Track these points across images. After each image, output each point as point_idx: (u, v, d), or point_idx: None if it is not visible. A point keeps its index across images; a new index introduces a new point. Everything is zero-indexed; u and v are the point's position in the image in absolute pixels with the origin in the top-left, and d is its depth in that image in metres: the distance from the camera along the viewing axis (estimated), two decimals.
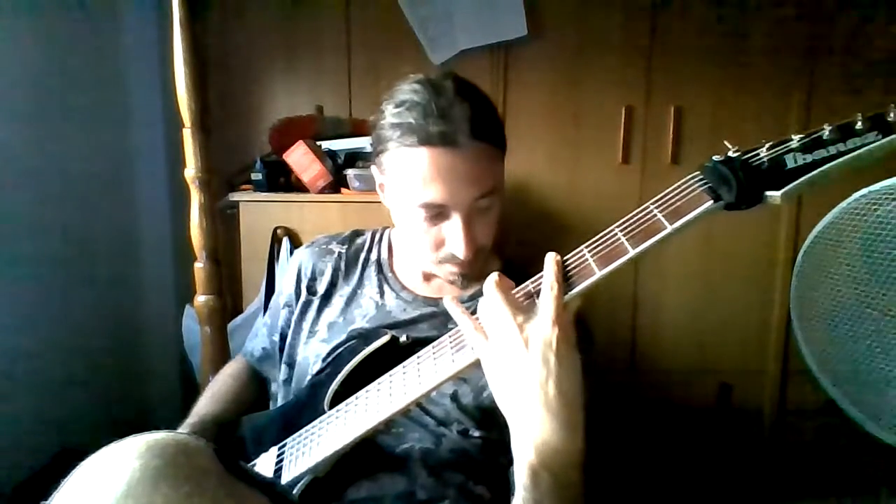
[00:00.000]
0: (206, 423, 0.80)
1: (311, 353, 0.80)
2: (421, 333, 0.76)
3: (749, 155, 0.47)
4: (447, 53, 1.60)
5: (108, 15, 1.49)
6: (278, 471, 0.66)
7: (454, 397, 0.71)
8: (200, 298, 1.13)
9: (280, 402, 0.85)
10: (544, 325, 0.48)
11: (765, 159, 0.46)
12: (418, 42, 1.59)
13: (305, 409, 0.70)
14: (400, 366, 0.61)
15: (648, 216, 0.49)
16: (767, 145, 0.47)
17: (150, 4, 1.57)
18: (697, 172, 0.49)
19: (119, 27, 1.53)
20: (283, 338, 0.87)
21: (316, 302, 0.83)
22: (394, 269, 0.84)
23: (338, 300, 0.83)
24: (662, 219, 0.48)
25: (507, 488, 0.70)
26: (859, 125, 0.44)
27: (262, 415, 0.82)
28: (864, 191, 1.01)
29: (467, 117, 0.65)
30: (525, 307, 0.51)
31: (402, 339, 0.72)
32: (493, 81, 1.62)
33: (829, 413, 1.19)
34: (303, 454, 0.65)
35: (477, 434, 0.70)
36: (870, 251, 1.03)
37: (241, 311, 1.39)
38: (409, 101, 0.66)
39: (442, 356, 0.57)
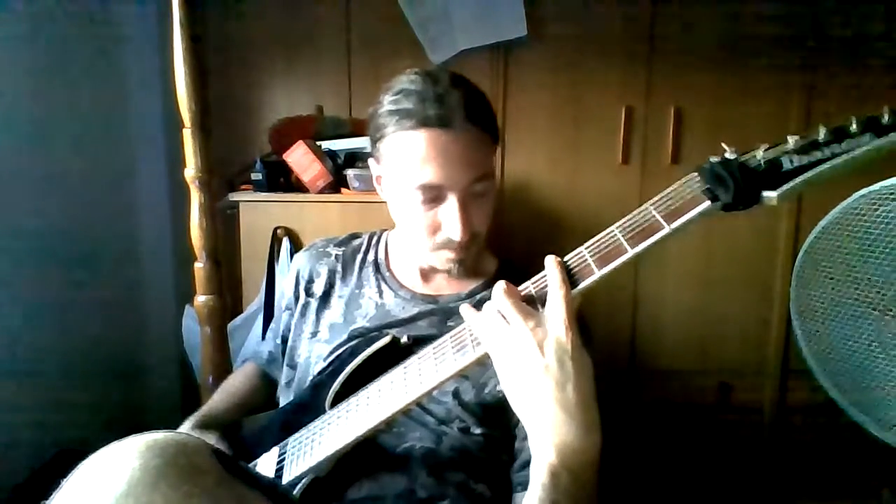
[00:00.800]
0: (215, 418, 0.81)
1: (314, 355, 0.80)
2: (421, 331, 0.76)
3: (746, 156, 0.48)
4: (447, 53, 1.60)
5: (107, 15, 1.49)
6: (279, 471, 0.66)
7: (455, 394, 0.72)
8: (200, 298, 1.13)
9: (282, 402, 0.85)
10: (558, 329, 0.48)
11: (761, 161, 0.47)
12: (418, 42, 1.59)
13: (307, 409, 0.70)
14: (401, 366, 0.61)
15: (647, 217, 0.50)
16: (764, 147, 0.48)
17: (150, 4, 1.57)
18: (695, 174, 0.50)
19: (119, 27, 1.53)
20: (284, 341, 0.88)
21: (314, 304, 0.84)
22: (391, 268, 0.85)
23: (337, 301, 0.83)
24: (661, 219, 0.49)
25: (507, 486, 0.70)
26: (854, 127, 0.45)
27: (263, 415, 0.82)
28: (864, 191, 1.01)
29: (462, 103, 0.68)
30: (534, 312, 0.51)
31: (403, 339, 0.72)
32: (493, 81, 1.62)
33: (829, 413, 1.19)
34: (304, 454, 0.65)
35: (478, 431, 0.70)
36: (870, 251, 1.03)
37: (241, 311, 1.39)
38: (406, 89, 0.69)
39: (443, 356, 0.57)
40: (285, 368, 0.86)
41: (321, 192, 1.34)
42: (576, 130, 1.66)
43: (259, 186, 1.35)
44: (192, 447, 0.46)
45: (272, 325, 0.95)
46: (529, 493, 0.49)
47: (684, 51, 1.62)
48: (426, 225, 0.72)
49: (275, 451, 0.69)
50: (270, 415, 0.82)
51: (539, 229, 1.65)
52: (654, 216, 0.49)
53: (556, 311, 0.49)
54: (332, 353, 0.77)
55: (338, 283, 0.85)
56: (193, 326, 1.29)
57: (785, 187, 0.46)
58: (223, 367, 1.14)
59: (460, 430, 0.70)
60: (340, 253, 0.87)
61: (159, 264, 1.64)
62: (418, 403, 0.68)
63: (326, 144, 1.41)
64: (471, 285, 0.82)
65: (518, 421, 0.71)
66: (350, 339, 0.78)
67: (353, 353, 0.70)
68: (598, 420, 0.48)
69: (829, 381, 1.13)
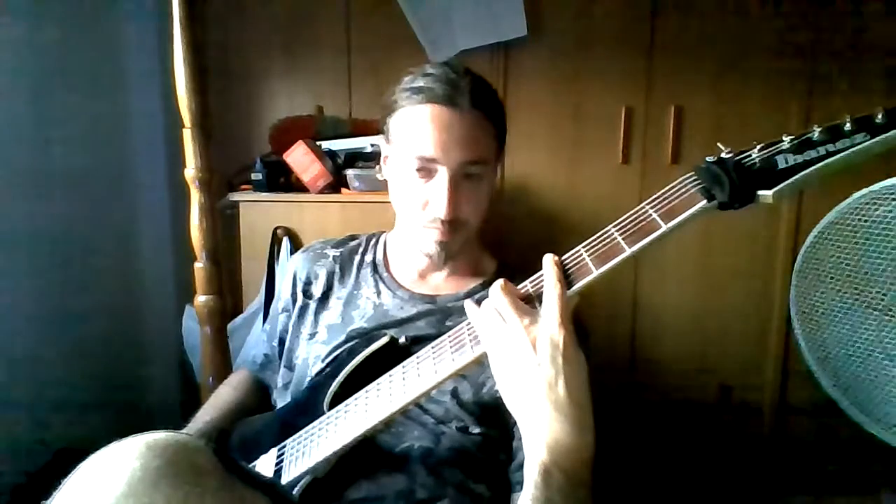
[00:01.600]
0: (205, 431, 0.80)
1: (311, 356, 0.80)
2: (419, 331, 0.77)
3: (741, 156, 0.48)
4: (447, 53, 1.60)
5: (107, 15, 1.49)
6: (278, 472, 0.66)
7: (454, 394, 0.72)
8: (200, 298, 1.13)
9: (280, 404, 0.85)
10: (551, 327, 0.48)
11: (757, 160, 0.48)
12: (418, 42, 1.59)
13: (305, 410, 0.70)
14: (399, 366, 0.61)
15: (644, 216, 0.50)
16: (759, 146, 0.48)
17: (150, 4, 1.57)
18: (692, 173, 0.50)
19: (119, 27, 1.53)
20: (282, 343, 0.88)
21: (313, 305, 0.84)
22: (389, 269, 0.85)
23: (335, 302, 0.83)
24: (657, 218, 0.49)
25: (506, 486, 0.70)
26: (848, 127, 0.46)
27: (261, 417, 0.82)
28: (864, 191, 1.01)
29: (470, 89, 0.73)
30: (530, 310, 0.52)
31: (401, 340, 0.73)
32: (493, 81, 1.59)
33: (829, 413, 1.19)
34: (302, 455, 0.65)
35: (476, 431, 0.71)
36: (870, 251, 1.03)
37: (241, 311, 1.39)
38: (424, 71, 0.76)
39: (441, 356, 0.57)
40: (283, 370, 0.86)
41: (321, 192, 1.34)
42: (576, 130, 1.66)
43: (259, 186, 1.35)
44: (193, 447, 0.46)
45: (267, 327, 0.95)
46: (524, 492, 0.49)
47: (684, 51, 1.62)
48: (417, 198, 0.75)
49: (273, 452, 0.69)
50: (268, 416, 0.81)
51: (539, 229, 1.65)
52: (651, 215, 0.50)
53: (551, 309, 0.49)
54: (330, 353, 0.77)
55: (336, 284, 0.85)
56: (193, 326, 1.29)
57: (780, 186, 0.46)
58: (223, 367, 1.14)
59: (459, 429, 0.70)
60: (338, 254, 0.88)
61: (159, 264, 1.64)
62: (417, 403, 0.68)
63: (326, 144, 1.41)
64: (469, 285, 0.82)
65: (515, 420, 0.72)
66: (348, 339, 0.78)
67: (351, 353, 0.71)
68: (592, 420, 0.48)
69: (829, 381, 1.13)
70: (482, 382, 0.72)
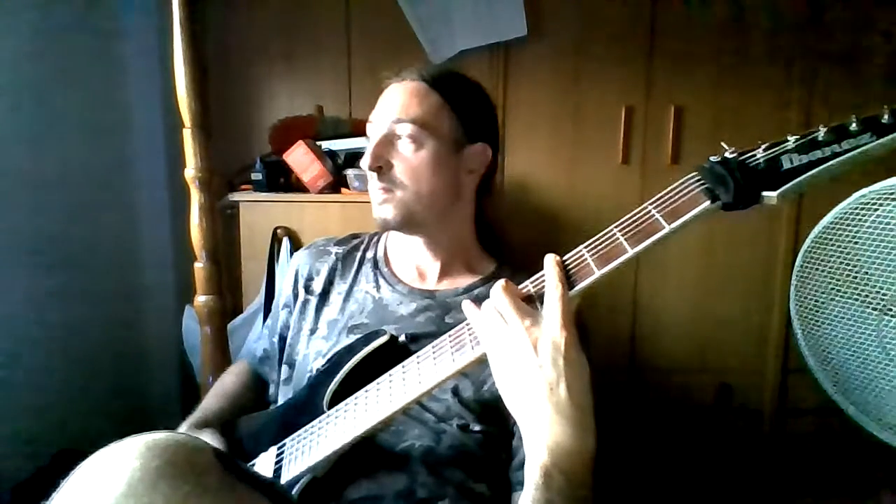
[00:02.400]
0: (209, 419, 0.81)
1: (312, 351, 0.80)
2: (419, 328, 0.77)
3: (746, 156, 0.48)
4: (447, 53, 1.60)
5: (107, 15, 1.49)
6: (278, 470, 0.66)
7: (455, 392, 0.72)
8: (200, 298, 1.13)
9: (280, 401, 0.85)
10: (553, 329, 0.48)
11: (761, 160, 0.47)
12: (418, 42, 1.59)
13: (305, 408, 0.70)
14: (399, 365, 0.61)
15: (647, 216, 0.50)
16: (764, 146, 0.47)
17: (150, 4, 1.57)
18: (695, 173, 0.50)
19: (119, 27, 1.53)
20: (282, 339, 0.88)
21: (314, 301, 0.84)
22: (390, 265, 0.85)
23: (336, 298, 0.84)
24: (660, 219, 0.49)
25: (506, 486, 0.70)
26: (854, 127, 0.45)
27: (261, 415, 0.82)
28: (864, 191, 1.01)
29: (425, 68, 0.80)
30: (531, 310, 0.51)
31: (401, 338, 0.72)
32: (493, 81, 1.62)
33: (829, 413, 1.19)
34: (302, 454, 0.65)
35: (477, 429, 0.70)
36: (870, 251, 1.03)
37: (241, 311, 1.39)
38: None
39: (441, 355, 0.57)
40: (284, 367, 0.86)
41: (321, 192, 1.34)
42: (576, 130, 1.66)
43: (259, 186, 1.35)
44: (193, 447, 0.46)
45: (268, 322, 0.95)
46: (525, 493, 0.49)
47: (684, 50, 1.62)
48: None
49: (273, 450, 0.69)
50: (268, 414, 0.81)
51: (539, 229, 1.65)
52: (653, 216, 0.49)
53: (553, 310, 0.49)
54: (329, 350, 0.77)
55: (337, 280, 0.85)
56: (193, 326, 1.29)
57: (785, 187, 0.45)
58: (223, 367, 1.13)
59: (459, 427, 0.70)
60: (341, 251, 0.88)
61: (159, 264, 1.64)
62: (417, 402, 0.68)
63: (326, 144, 1.41)
64: (468, 281, 0.82)
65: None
66: (348, 334, 0.78)
67: (351, 351, 0.70)
68: (593, 422, 0.48)
69: (829, 381, 1.13)
70: (483, 380, 0.72)
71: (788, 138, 0.46)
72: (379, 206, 0.78)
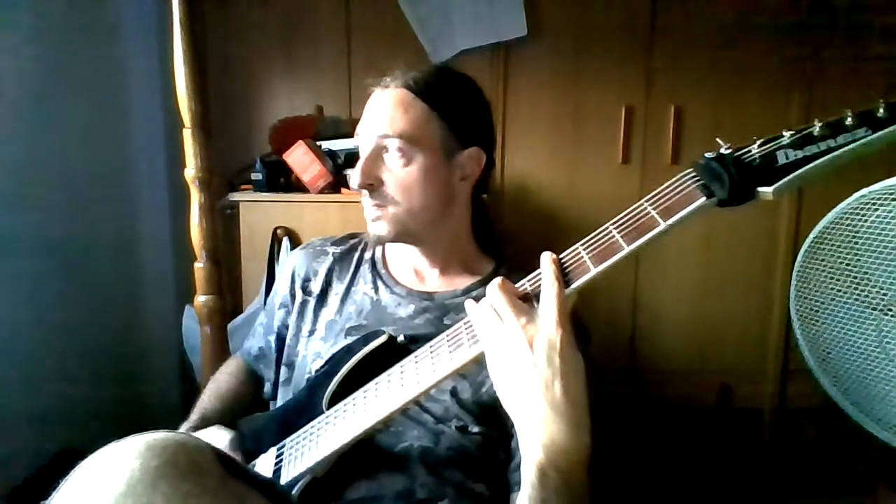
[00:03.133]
0: (210, 420, 0.81)
1: (311, 352, 0.80)
2: (417, 329, 0.76)
3: (741, 152, 0.47)
4: (447, 53, 1.60)
5: (107, 15, 1.49)
6: (277, 471, 0.66)
7: (453, 393, 0.72)
8: (200, 298, 1.13)
9: (279, 402, 0.85)
10: (548, 327, 0.48)
11: (756, 156, 0.47)
12: (418, 42, 1.59)
13: (304, 409, 0.70)
14: (397, 365, 0.61)
15: (643, 213, 0.50)
16: (759, 142, 0.47)
17: (150, 4, 1.57)
18: (691, 170, 0.50)
19: (119, 27, 1.53)
20: (279, 338, 0.88)
21: (312, 302, 0.84)
22: (388, 267, 0.85)
23: (334, 299, 0.83)
24: (656, 216, 0.49)
25: (505, 486, 0.70)
26: (849, 121, 0.45)
27: (260, 416, 0.82)
28: (864, 191, 1.01)
29: (409, 74, 0.77)
30: (527, 308, 0.51)
31: (400, 338, 0.72)
32: (493, 81, 1.62)
33: (829, 413, 1.19)
34: (302, 454, 0.65)
35: (476, 430, 0.70)
36: (870, 251, 1.03)
37: (241, 311, 1.39)
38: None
39: (439, 354, 0.57)
40: (282, 367, 0.86)
41: (321, 192, 1.34)
42: (576, 130, 1.66)
43: (259, 186, 1.35)
44: (192, 447, 0.46)
45: (264, 320, 0.94)
46: (521, 492, 0.49)
47: (684, 50, 1.62)
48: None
49: (272, 451, 0.69)
50: (268, 415, 0.81)
51: (538, 229, 1.65)
52: (649, 213, 0.49)
53: (548, 308, 0.49)
54: (328, 352, 0.77)
55: (335, 281, 0.85)
56: (193, 326, 1.29)
57: (780, 182, 0.45)
58: None
59: (458, 428, 0.70)
60: (338, 251, 0.88)
61: (159, 264, 1.64)
62: (416, 402, 0.68)
63: (326, 144, 1.41)
64: (466, 282, 0.82)
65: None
66: (346, 335, 0.78)
67: (350, 352, 0.70)
68: (588, 420, 0.48)
69: (829, 381, 1.13)
70: (481, 382, 0.72)
71: (784, 134, 0.46)
72: (372, 223, 0.77)
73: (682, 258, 1.69)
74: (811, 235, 1.11)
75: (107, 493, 0.42)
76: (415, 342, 0.72)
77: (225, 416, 0.83)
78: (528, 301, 0.53)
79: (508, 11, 1.57)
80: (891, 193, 0.98)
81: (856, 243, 1.05)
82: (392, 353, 0.66)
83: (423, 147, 0.74)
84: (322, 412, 0.67)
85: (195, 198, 1.10)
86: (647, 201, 0.50)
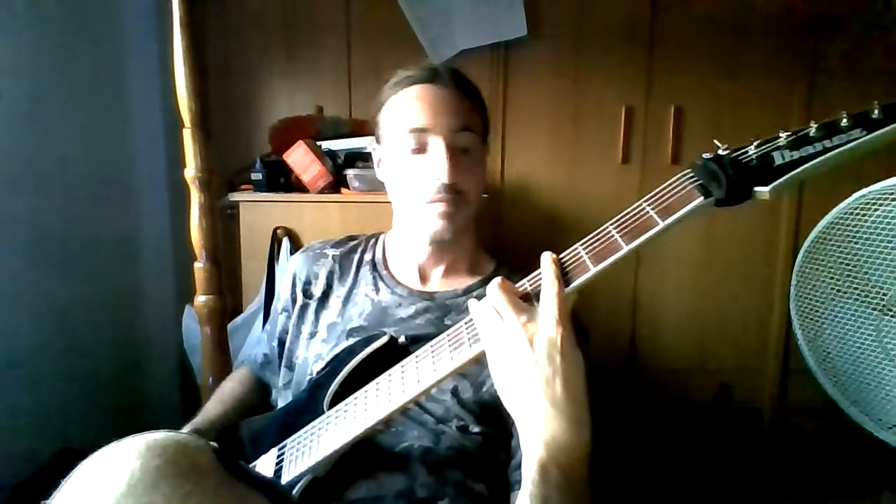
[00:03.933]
0: (213, 423, 0.81)
1: (312, 354, 0.80)
2: (418, 329, 0.77)
3: (738, 152, 0.48)
4: (447, 53, 1.60)
5: (107, 15, 1.49)
6: (278, 471, 0.66)
7: (454, 393, 0.72)
8: (200, 298, 1.13)
9: (281, 404, 0.85)
10: (548, 325, 0.48)
11: (753, 156, 0.47)
12: (418, 42, 1.59)
13: (305, 410, 0.70)
14: (398, 365, 0.61)
15: (641, 213, 0.50)
16: (756, 143, 0.48)
17: (150, 4, 1.57)
18: (689, 170, 0.50)
19: (119, 27, 1.53)
20: (281, 343, 0.88)
21: (313, 305, 0.84)
22: (388, 267, 0.85)
23: (335, 301, 0.84)
24: (655, 216, 0.49)
25: (505, 486, 0.70)
26: (844, 122, 0.46)
27: (262, 417, 0.82)
28: (864, 191, 1.01)
29: (451, 73, 0.78)
30: (527, 307, 0.51)
31: (401, 339, 0.72)
32: (493, 81, 1.62)
33: (829, 413, 1.19)
34: (302, 455, 0.65)
35: (476, 430, 0.71)
36: (870, 251, 1.03)
37: (241, 311, 1.39)
38: (406, 68, 0.80)
39: (440, 354, 0.57)
40: (283, 370, 0.86)
41: (321, 192, 1.34)
42: (576, 130, 1.66)
43: (259, 186, 1.35)
44: (193, 447, 0.46)
45: (267, 327, 0.95)
46: (522, 490, 0.49)
47: (684, 50, 1.62)
48: (417, 175, 0.76)
49: (273, 451, 0.69)
50: (269, 416, 0.81)
51: (538, 229, 1.65)
52: (648, 212, 0.50)
53: (548, 307, 0.49)
54: (329, 353, 0.77)
55: (335, 283, 0.85)
56: (193, 326, 1.29)
57: (776, 182, 0.46)
58: (223, 367, 1.14)
59: (459, 428, 0.70)
60: (338, 254, 0.88)
61: (159, 264, 1.65)
62: (416, 402, 0.68)
63: (326, 144, 1.41)
64: (467, 282, 0.82)
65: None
66: (348, 337, 0.78)
67: (351, 353, 0.70)
68: (588, 418, 0.48)
69: (829, 381, 1.13)
70: (482, 381, 0.72)
71: (780, 134, 0.47)
72: (438, 220, 0.76)
73: (681, 258, 1.69)
74: (811, 235, 1.11)
75: (107, 492, 0.42)
76: (416, 342, 0.72)
77: (229, 419, 0.83)
78: (528, 300, 0.53)
79: (508, 11, 1.57)
80: (891, 193, 0.98)
81: (856, 243, 1.05)
82: (393, 355, 0.66)
83: (480, 140, 0.79)
84: (323, 412, 0.67)
85: (195, 198, 1.10)
86: (645, 201, 0.51)
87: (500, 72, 1.63)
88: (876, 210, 1.00)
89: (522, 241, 1.63)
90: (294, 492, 0.64)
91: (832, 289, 1.10)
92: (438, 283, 0.83)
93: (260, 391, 0.94)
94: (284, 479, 0.64)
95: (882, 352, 1.05)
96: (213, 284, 1.12)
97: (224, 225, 1.22)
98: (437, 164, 0.74)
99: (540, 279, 0.52)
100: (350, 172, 1.34)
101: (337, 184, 1.36)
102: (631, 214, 0.51)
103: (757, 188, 0.47)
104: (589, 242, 0.52)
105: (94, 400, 1.40)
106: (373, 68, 1.63)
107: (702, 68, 1.62)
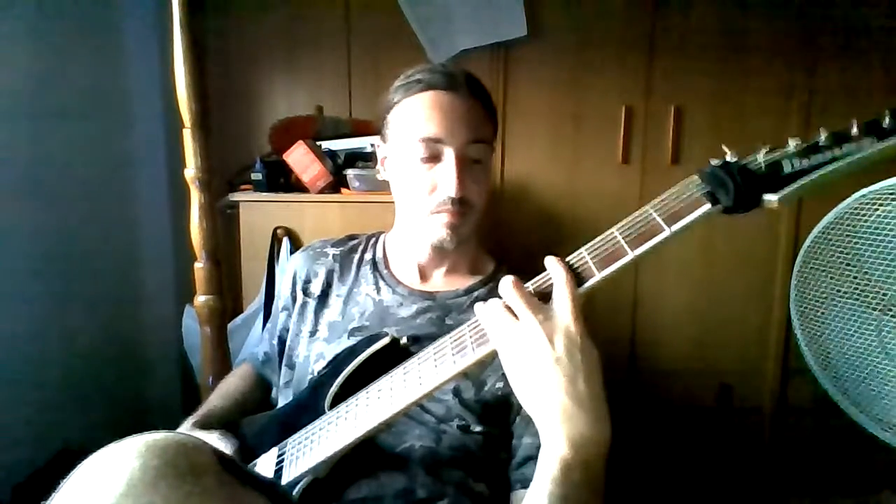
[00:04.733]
0: (212, 418, 0.81)
1: (312, 354, 0.80)
2: (419, 329, 0.77)
3: (747, 159, 0.48)
4: (447, 53, 1.60)
5: (107, 15, 1.49)
6: (278, 471, 0.66)
7: (456, 392, 0.72)
8: (200, 298, 1.13)
9: (281, 403, 0.85)
10: (566, 322, 0.49)
11: (762, 164, 0.47)
12: (418, 42, 1.59)
13: (306, 410, 0.70)
14: (400, 367, 0.61)
15: (647, 219, 0.50)
16: (764, 150, 0.48)
17: (150, 4, 1.57)
18: (695, 176, 0.50)
19: (119, 27, 1.53)
20: (281, 341, 0.88)
21: (313, 303, 0.84)
22: (389, 267, 0.85)
23: (335, 300, 0.83)
24: (661, 222, 0.49)
25: (506, 485, 0.70)
26: (854, 131, 0.46)
27: (262, 416, 0.82)
28: (864, 191, 1.01)
29: (465, 80, 0.77)
30: (543, 306, 0.51)
31: (403, 340, 0.72)
32: (493, 81, 1.62)
33: (829, 413, 1.19)
34: (303, 455, 0.65)
35: (478, 429, 0.71)
36: (870, 251, 1.03)
37: (241, 311, 1.39)
38: (418, 68, 0.78)
39: (442, 357, 0.57)
40: (284, 369, 0.86)
41: (321, 192, 1.34)
42: (576, 130, 1.66)
43: (259, 186, 1.35)
44: (192, 447, 0.46)
45: (268, 325, 0.95)
46: (536, 488, 0.49)
47: (684, 50, 1.62)
48: (425, 184, 0.75)
49: (274, 451, 0.69)
50: (269, 415, 0.81)
51: (538, 229, 1.65)
52: (654, 218, 0.49)
53: (564, 304, 0.49)
54: (330, 353, 0.77)
55: (335, 282, 0.85)
56: (193, 326, 1.29)
57: (785, 191, 0.46)
58: (223, 367, 1.14)
59: (460, 428, 0.70)
60: (338, 253, 0.88)
61: (159, 264, 1.65)
62: (417, 404, 0.68)
63: (326, 144, 1.41)
64: (468, 282, 0.82)
65: (515, 418, 0.72)
66: (349, 336, 0.78)
67: (352, 353, 0.70)
68: (608, 412, 0.49)
69: (829, 381, 1.13)
70: (483, 381, 0.73)
71: (790, 142, 0.47)
72: (443, 229, 0.76)
73: (682, 258, 1.69)
74: (811, 235, 1.11)
75: (107, 492, 0.42)
76: (417, 342, 0.72)
77: (231, 414, 0.84)
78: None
79: (508, 11, 1.57)
80: (891, 193, 0.98)
81: (856, 243, 1.04)
82: (395, 355, 0.66)
83: (490, 146, 0.79)
84: (324, 413, 0.67)
85: (195, 198, 1.10)
86: (651, 207, 0.50)
87: (500, 72, 1.63)
88: (876, 210, 1.00)
89: (522, 241, 1.62)
90: (294, 492, 0.64)
91: (832, 289, 1.10)
92: (439, 282, 0.83)
93: (261, 388, 0.94)
94: (285, 479, 0.64)
95: (883, 352, 1.05)
96: (213, 284, 1.13)
97: (224, 225, 1.22)
98: (447, 178, 0.73)
99: (547, 281, 0.52)
100: (350, 172, 1.34)
101: (337, 184, 1.36)
102: (636, 220, 0.50)
103: (766, 196, 0.47)
104: (593, 247, 0.52)
105: (94, 400, 1.40)
106: (373, 68, 1.63)
107: (702, 68, 1.62)
